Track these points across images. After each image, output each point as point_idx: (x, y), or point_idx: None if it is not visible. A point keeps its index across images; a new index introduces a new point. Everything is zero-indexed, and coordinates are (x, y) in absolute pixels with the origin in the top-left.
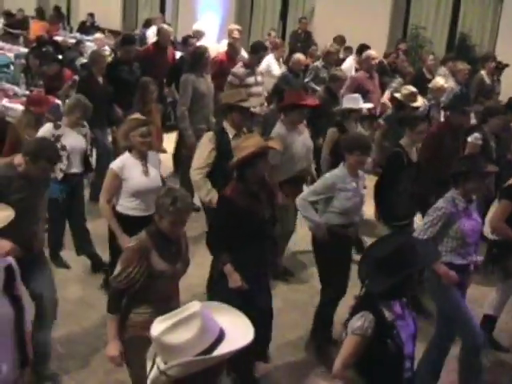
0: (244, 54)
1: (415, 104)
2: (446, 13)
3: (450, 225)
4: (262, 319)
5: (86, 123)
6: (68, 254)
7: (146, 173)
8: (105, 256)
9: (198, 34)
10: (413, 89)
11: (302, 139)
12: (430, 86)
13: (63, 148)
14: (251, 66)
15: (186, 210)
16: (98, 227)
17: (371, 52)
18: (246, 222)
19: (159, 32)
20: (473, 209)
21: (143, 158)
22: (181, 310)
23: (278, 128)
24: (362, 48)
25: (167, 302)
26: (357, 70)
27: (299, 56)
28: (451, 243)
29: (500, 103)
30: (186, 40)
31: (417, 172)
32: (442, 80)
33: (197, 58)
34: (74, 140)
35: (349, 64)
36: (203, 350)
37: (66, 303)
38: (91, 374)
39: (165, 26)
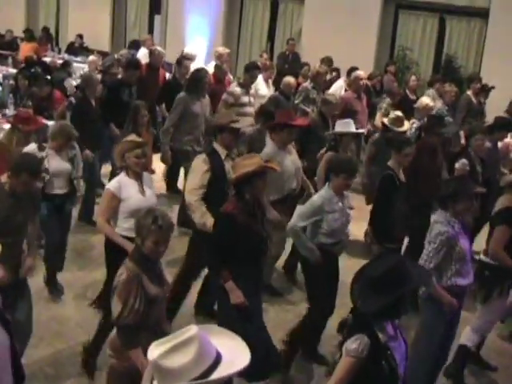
0: (230, 76)
1: (401, 129)
2: (432, 34)
3: (453, 247)
4: (266, 334)
5: (75, 145)
6: (59, 275)
7: (142, 192)
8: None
9: (190, 57)
10: (399, 114)
11: (292, 159)
12: (416, 105)
13: (45, 171)
14: (246, 85)
15: (167, 227)
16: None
17: (359, 72)
18: (245, 239)
19: (152, 54)
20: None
21: (138, 178)
22: (178, 333)
23: (268, 147)
24: (352, 70)
25: (161, 325)
26: (346, 91)
27: (289, 79)
28: (455, 265)
29: (485, 124)
30: (180, 61)
31: (408, 192)
32: (427, 99)
33: (196, 81)
34: (57, 163)
35: (339, 85)
36: (200, 374)
37: (54, 323)
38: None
39: (158, 48)
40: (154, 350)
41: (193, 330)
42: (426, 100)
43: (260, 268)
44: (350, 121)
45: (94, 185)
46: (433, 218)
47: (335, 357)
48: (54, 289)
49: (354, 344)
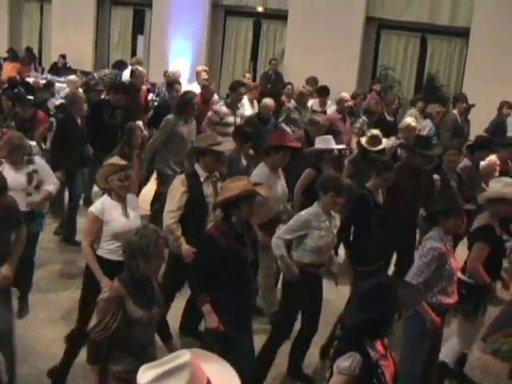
0: (216, 97)
1: (378, 148)
2: (414, 54)
3: (443, 264)
4: (244, 362)
5: (35, 160)
6: (38, 295)
7: (126, 215)
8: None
9: (177, 75)
10: (375, 132)
11: (281, 183)
12: (400, 126)
13: None
14: (232, 105)
15: (158, 245)
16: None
17: (344, 94)
18: (229, 262)
19: (133, 74)
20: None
21: (122, 200)
22: (170, 358)
23: (261, 170)
24: (323, 90)
25: (144, 349)
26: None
27: (267, 101)
28: (441, 283)
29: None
30: (171, 84)
31: (384, 214)
32: (410, 119)
33: (184, 103)
34: (12, 178)
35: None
36: None
37: (38, 344)
38: None
39: (139, 68)
40: (145, 374)
41: (185, 355)
42: (408, 120)
43: (247, 294)
44: (330, 137)
45: (76, 204)
46: (427, 235)
47: (327, 374)
48: (19, 308)
49: (346, 362)
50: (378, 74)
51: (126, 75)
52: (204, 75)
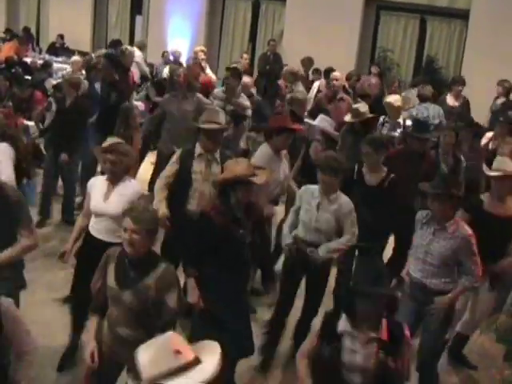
0: (210, 73)
1: (359, 118)
2: (413, 36)
3: None
4: (234, 345)
5: None
6: (34, 275)
7: (106, 197)
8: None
9: (176, 56)
10: (354, 106)
11: (283, 165)
12: (389, 106)
13: None
14: (229, 93)
15: (138, 219)
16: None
17: (334, 73)
18: (223, 242)
19: (122, 53)
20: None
21: (113, 182)
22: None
23: (264, 152)
24: (329, 71)
25: (117, 325)
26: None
27: (245, 79)
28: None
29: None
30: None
31: (373, 196)
32: (398, 102)
33: (169, 79)
34: None
35: (315, 85)
36: (169, 371)
37: (35, 326)
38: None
39: (129, 48)
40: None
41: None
42: (396, 103)
43: (241, 276)
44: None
45: (73, 185)
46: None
47: None
48: None
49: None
50: (377, 56)
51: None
52: (202, 55)
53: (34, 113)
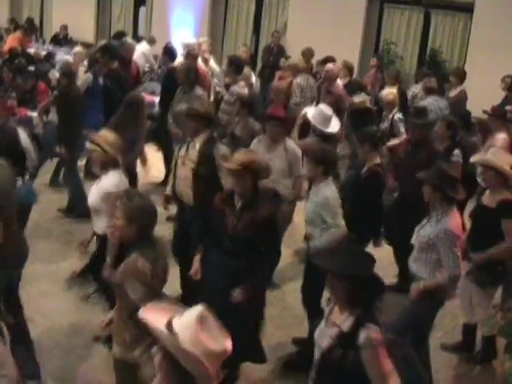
0: (213, 65)
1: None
2: (417, 29)
3: None
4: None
5: None
6: (39, 266)
7: (92, 189)
8: (58, 262)
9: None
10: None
11: (282, 157)
12: (382, 100)
13: None
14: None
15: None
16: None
17: (328, 65)
18: (216, 224)
19: (122, 45)
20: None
21: (98, 174)
22: None
23: (262, 140)
24: (326, 60)
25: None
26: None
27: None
28: None
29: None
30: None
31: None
32: (391, 95)
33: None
34: None
35: None
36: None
37: (39, 316)
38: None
39: (129, 40)
40: None
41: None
42: (389, 95)
43: (221, 259)
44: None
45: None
46: None
47: None
48: None
49: None
50: (381, 49)
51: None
52: (205, 47)
53: (41, 105)
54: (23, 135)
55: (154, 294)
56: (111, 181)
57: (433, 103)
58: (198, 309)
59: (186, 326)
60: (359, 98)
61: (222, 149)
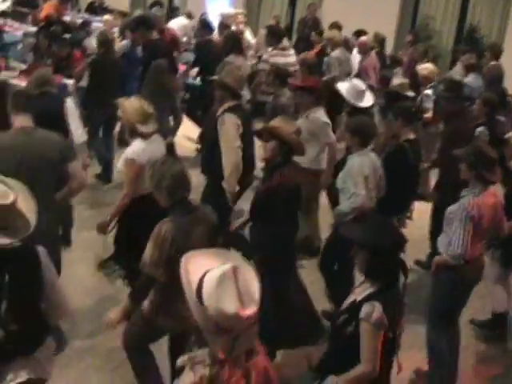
0: (249, 36)
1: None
2: (456, 4)
3: None
4: None
5: None
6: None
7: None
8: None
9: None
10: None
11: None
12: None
13: None
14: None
15: None
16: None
17: (362, 38)
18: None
19: (152, 16)
20: None
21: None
22: None
23: None
24: (359, 32)
25: None
26: None
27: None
28: None
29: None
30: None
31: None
32: (425, 70)
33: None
34: None
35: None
36: None
37: (69, 284)
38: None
39: (153, 11)
40: None
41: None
42: (423, 71)
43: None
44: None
45: (111, 145)
46: None
47: None
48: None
49: None
50: (418, 24)
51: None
52: (240, 19)
53: (76, 70)
54: (72, 109)
55: (170, 262)
56: (133, 148)
57: (473, 81)
58: (226, 266)
59: (208, 279)
60: (399, 80)
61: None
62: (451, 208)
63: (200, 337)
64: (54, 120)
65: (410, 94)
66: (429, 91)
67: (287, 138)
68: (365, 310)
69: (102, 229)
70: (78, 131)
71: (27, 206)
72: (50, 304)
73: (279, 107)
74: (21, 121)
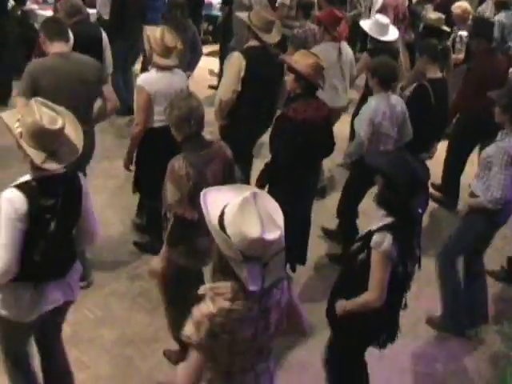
0: None
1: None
2: None
3: None
4: None
5: None
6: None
7: None
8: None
9: None
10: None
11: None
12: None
13: None
14: None
15: None
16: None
17: None
18: None
19: None
20: None
21: None
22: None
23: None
24: None
25: None
26: None
27: None
28: None
29: None
30: None
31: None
32: (459, 8)
33: None
34: None
35: None
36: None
37: None
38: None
39: None
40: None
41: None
42: (457, 9)
43: None
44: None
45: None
46: None
47: None
48: None
49: None
50: None
51: None
52: None
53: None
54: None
55: (192, 198)
56: (146, 76)
57: (504, 20)
58: (246, 193)
59: (230, 208)
60: (434, 15)
61: (236, 60)
62: (488, 152)
63: (221, 269)
64: (91, 47)
65: (446, 28)
66: (463, 32)
67: (302, 71)
68: (375, 239)
69: (125, 165)
70: (108, 59)
71: (74, 132)
72: (80, 230)
73: (302, 39)
74: (57, 47)
